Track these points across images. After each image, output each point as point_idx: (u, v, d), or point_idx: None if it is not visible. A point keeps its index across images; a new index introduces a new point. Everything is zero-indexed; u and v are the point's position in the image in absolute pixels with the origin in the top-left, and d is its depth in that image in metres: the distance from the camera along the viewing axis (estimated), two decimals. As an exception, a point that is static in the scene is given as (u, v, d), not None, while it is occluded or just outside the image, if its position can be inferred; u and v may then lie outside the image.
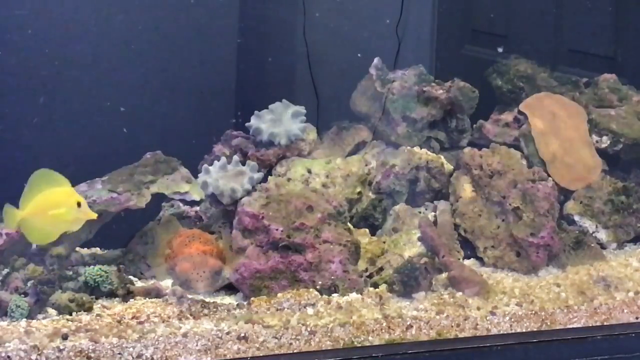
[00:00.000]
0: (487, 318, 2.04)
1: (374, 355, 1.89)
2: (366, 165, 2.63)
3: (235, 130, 2.63)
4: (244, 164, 2.44)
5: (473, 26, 3.09)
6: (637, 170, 2.80)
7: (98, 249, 2.39)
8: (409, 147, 2.61)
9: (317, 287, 2.15)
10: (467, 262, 2.44)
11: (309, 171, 2.56)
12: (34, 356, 1.76)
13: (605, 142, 2.74)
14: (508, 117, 2.79)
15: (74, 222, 1.96)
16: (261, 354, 1.87)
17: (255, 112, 2.61)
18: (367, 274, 2.30)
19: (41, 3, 2.62)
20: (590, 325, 2.10)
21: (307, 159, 2.61)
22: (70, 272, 2.20)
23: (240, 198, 2.31)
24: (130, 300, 2.14)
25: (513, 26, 3.09)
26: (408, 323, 1.99)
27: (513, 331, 2.04)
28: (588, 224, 2.60)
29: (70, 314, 2.01)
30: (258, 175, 2.38)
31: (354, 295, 2.13)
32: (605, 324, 2.11)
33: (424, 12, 2.96)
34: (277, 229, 2.20)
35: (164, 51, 2.75)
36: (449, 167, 2.64)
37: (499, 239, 2.46)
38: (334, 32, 2.88)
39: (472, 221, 2.50)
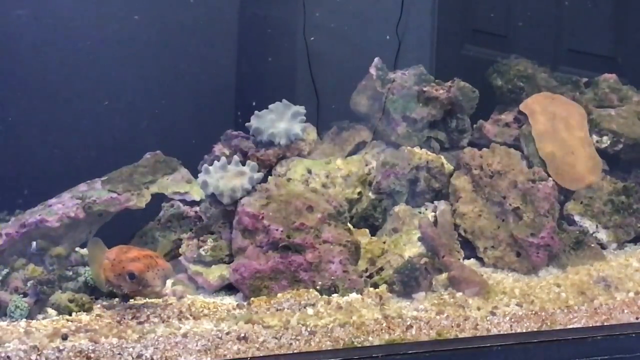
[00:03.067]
0: (487, 318, 2.04)
1: (374, 355, 1.89)
2: (366, 165, 2.63)
3: (235, 130, 2.63)
4: (244, 164, 2.44)
5: (473, 26, 3.09)
6: (637, 170, 2.80)
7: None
8: (409, 147, 2.61)
9: (317, 287, 2.15)
10: (467, 262, 2.44)
11: (309, 171, 2.56)
12: (33, 356, 1.76)
13: (605, 142, 2.74)
14: (508, 117, 2.79)
15: None
16: (261, 354, 1.87)
17: (256, 112, 2.61)
18: (367, 274, 2.30)
19: (42, 3, 2.62)
20: (591, 325, 2.10)
21: (307, 159, 2.61)
22: (70, 272, 2.20)
23: (240, 198, 2.30)
24: (130, 300, 2.14)
25: (513, 26, 3.09)
26: (408, 323, 1.99)
27: (513, 331, 2.04)
28: (588, 224, 2.60)
29: (70, 314, 2.01)
30: (258, 175, 2.38)
31: (354, 296, 2.13)
32: (605, 324, 2.11)
33: (424, 12, 2.96)
34: (277, 229, 2.20)
35: (164, 51, 2.75)
36: (449, 167, 2.64)
37: (499, 239, 2.46)
38: (334, 32, 2.88)
39: (472, 221, 2.50)
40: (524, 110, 2.75)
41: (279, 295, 2.09)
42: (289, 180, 2.50)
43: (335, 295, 2.14)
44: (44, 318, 2.00)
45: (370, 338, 1.95)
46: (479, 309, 2.08)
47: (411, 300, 2.16)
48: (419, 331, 1.99)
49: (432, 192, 2.60)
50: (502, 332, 2.03)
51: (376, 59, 2.75)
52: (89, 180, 2.48)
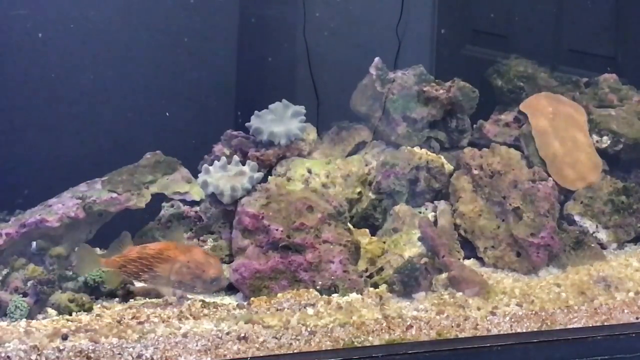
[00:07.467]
0: (487, 318, 2.04)
1: (374, 355, 1.89)
2: (366, 165, 2.63)
3: (235, 130, 2.63)
4: (244, 164, 2.44)
5: (473, 26, 3.08)
6: (637, 170, 2.79)
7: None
8: (409, 147, 2.61)
9: (317, 287, 2.15)
10: (467, 262, 2.43)
11: (309, 171, 2.56)
12: (33, 356, 1.76)
13: (605, 142, 2.74)
14: (508, 117, 2.79)
15: None
16: (261, 354, 1.87)
17: (255, 112, 2.60)
18: (367, 274, 2.29)
19: (42, 3, 2.62)
20: (591, 325, 2.10)
21: (307, 159, 2.61)
22: (70, 272, 2.20)
23: (240, 198, 2.30)
24: (130, 300, 2.14)
25: (513, 26, 3.09)
26: (408, 323, 1.99)
27: (513, 331, 2.04)
28: (588, 224, 2.60)
29: (70, 314, 2.01)
30: (258, 175, 2.38)
31: (354, 296, 2.13)
32: (605, 324, 2.11)
33: (424, 12, 2.96)
34: (277, 229, 2.20)
35: (164, 51, 2.74)
36: (449, 167, 2.63)
37: (499, 239, 2.46)
38: (334, 32, 2.88)
39: (472, 221, 2.50)
40: (524, 110, 2.74)
41: (279, 295, 2.09)
42: (289, 180, 2.50)
43: (335, 295, 2.14)
44: (44, 318, 2.00)
45: (370, 338, 1.95)
46: (479, 309, 2.08)
47: (411, 300, 2.16)
48: (419, 331, 1.99)
49: (432, 192, 2.60)
50: (502, 332, 2.03)
51: (376, 59, 2.75)
52: (89, 180, 2.48)
